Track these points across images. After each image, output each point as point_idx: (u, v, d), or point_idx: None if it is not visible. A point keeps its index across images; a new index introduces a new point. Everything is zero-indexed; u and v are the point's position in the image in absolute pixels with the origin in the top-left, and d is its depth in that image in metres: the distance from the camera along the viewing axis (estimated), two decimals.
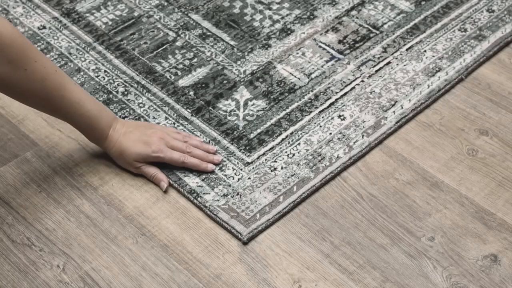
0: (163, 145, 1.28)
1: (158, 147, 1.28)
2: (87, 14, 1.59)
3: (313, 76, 1.46)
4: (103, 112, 1.27)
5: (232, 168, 1.32)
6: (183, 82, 1.46)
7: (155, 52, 1.52)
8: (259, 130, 1.37)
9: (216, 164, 1.31)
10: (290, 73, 1.47)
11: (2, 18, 1.17)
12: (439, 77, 1.45)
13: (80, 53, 1.51)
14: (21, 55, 1.17)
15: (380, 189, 1.28)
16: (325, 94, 1.43)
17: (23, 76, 1.18)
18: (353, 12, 1.59)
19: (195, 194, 1.27)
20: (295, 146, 1.34)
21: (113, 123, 1.28)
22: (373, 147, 1.34)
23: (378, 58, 1.49)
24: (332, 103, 1.41)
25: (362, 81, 1.45)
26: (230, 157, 1.33)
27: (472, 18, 1.56)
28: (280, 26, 1.57)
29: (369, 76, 1.46)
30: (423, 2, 1.60)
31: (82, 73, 1.47)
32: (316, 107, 1.41)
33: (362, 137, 1.35)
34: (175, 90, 1.44)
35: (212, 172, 1.30)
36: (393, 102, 1.41)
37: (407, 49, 1.51)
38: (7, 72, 1.17)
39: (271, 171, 1.31)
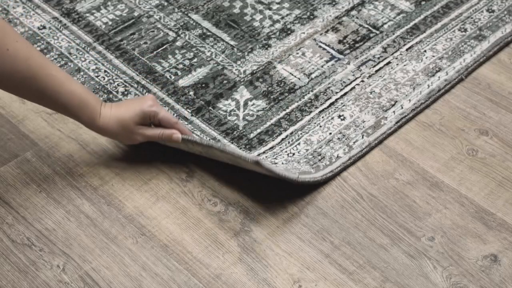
0: (156, 102, 1.26)
1: (152, 101, 1.25)
2: (87, 14, 1.59)
3: (313, 76, 1.46)
4: (88, 90, 1.25)
5: None
6: (183, 82, 1.46)
7: (155, 52, 1.52)
8: (259, 130, 1.37)
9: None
10: (290, 73, 1.47)
11: None
12: (439, 77, 1.45)
13: (80, 53, 1.51)
14: (1, 35, 1.15)
15: (380, 189, 1.28)
16: (325, 94, 1.43)
17: (6, 55, 1.15)
18: (353, 12, 1.59)
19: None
20: (295, 146, 1.34)
21: (101, 102, 1.26)
22: (373, 147, 1.34)
23: (378, 58, 1.49)
24: (332, 103, 1.41)
25: (362, 81, 1.45)
26: None
27: (472, 18, 1.56)
28: (280, 26, 1.57)
29: (369, 76, 1.46)
30: (423, 2, 1.60)
31: (82, 73, 1.47)
32: (316, 107, 1.41)
33: (362, 137, 1.35)
34: (175, 90, 1.44)
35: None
36: (393, 102, 1.41)
37: (407, 49, 1.51)
38: None
39: None
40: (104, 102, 1.26)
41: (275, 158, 1.32)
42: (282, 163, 1.31)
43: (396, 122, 1.38)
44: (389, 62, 1.49)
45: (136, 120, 1.24)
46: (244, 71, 1.48)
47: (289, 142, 1.35)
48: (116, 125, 1.24)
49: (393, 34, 1.54)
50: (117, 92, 1.44)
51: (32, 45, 1.20)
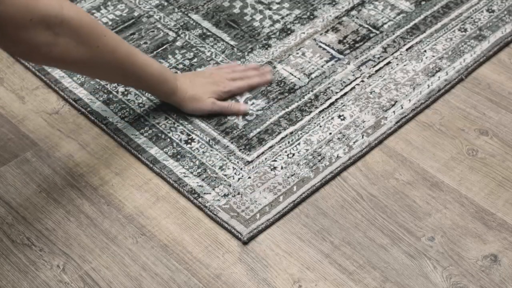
0: (227, 81, 1.40)
1: (224, 83, 1.40)
2: None
3: (313, 76, 1.46)
4: (165, 68, 1.37)
5: (232, 167, 1.32)
6: None
7: (155, 52, 1.52)
8: (258, 130, 1.37)
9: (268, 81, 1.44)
10: (290, 73, 1.47)
11: (68, 2, 1.17)
12: (439, 77, 1.45)
13: None
14: (92, 33, 1.19)
15: (380, 189, 1.28)
16: (325, 94, 1.43)
17: (97, 52, 1.21)
18: (353, 12, 1.59)
19: (195, 195, 1.27)
20: (295, 146, 1.34)
21: (176, 76, 1.37)
22: (373, 147, 1.34)
23: (378, 58, 1.49)
24: (332, 103, 1.41)
25: (362, 81, 1.45)
26: (230, 156, 1.33)
27: (472, 18, 1.56)
28: (280, 26, 1.57)
29: (369, 76, 1.46)
30: (423, 2, 1.60)
31: None
32: (316, 107, 1.41)
33: (362, 137, 1.35)
34: None
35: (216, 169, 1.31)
36: (393, 102, 1.41)
37: (407, 49, 1.51)
38: (83, 53, 1.19)
39: (271, 170, 1.31)
40: (176, 73, 1.41)
41: (274, 161, 1.32)
42: (282, 167, 1.31)
43: (396, 122, 1.38)
44: (389, 62, 1.49)
45: (212, 96, 1.38)
46: None
47: (289, 142, 1.35)
48: (191, 99, 1.37)
49: (393, 34, 1.54)
50: (117, 92, 1.44)
51: (115, 34, 1.26)
